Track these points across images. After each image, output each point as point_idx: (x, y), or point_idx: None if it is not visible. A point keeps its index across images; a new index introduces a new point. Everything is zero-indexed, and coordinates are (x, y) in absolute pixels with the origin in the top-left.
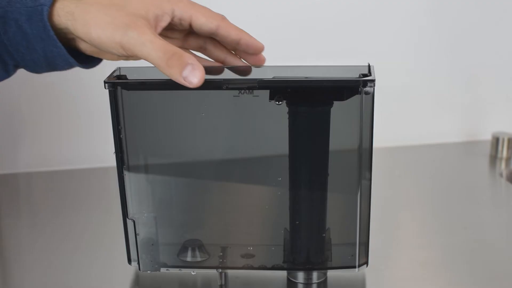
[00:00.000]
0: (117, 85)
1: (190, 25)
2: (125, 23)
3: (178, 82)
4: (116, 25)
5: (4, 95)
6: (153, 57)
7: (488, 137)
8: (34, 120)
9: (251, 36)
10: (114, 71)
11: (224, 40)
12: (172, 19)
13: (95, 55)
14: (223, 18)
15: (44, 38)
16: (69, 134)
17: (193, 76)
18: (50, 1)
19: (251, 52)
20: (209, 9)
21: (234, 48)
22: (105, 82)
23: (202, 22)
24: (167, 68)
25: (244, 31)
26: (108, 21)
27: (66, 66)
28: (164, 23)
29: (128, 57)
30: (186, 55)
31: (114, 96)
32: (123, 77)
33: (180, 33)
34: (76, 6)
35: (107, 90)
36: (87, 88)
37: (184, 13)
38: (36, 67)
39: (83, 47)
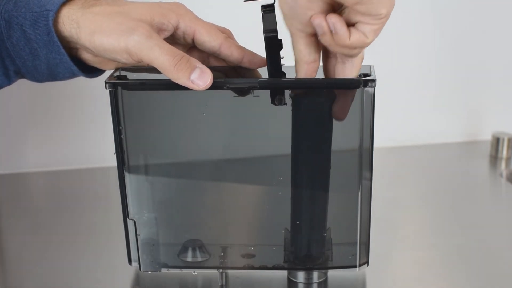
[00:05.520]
0: (117, 85)
1: (193, 40)
2: (130, 27)
3: (185, 85)
4: (121, 30)
5: (5, 96)
6: (161, 60)
7: (488, 137)
8: (35, 120)
9: (254, 54)
10: (114, 71)
11: (226, 59)
12: (175, 31)
13: (97, 66)
14: (226, 37)
15: (48, 44)
16: (70, 134)
17: (201, 79)
18: (56, 7)
19: (254, 68)
20: (215, 26)
21: (237, 65)
22: (105, 82)
23: (205, 40)
24: (175, 72)
25: (247, 50)
26: (113, 28)
27: (68, 74)
28: (167, 33)
29: (132, 63)
30: (193, 58)
31: (114, 96)
32: (124, 77)
33: (184, 47)
34: (82, 14)
35: (108, 90)
36: (88, 88)
37: (188, 28)
38: (38, 75)
39: (86, 57)
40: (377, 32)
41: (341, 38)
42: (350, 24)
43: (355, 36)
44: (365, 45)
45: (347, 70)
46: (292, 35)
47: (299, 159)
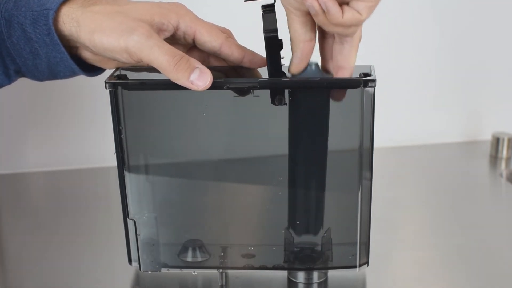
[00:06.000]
0: (117, 85)
1: (194, 41)
2: (130, 27)
3: (185, 85)
4: (121, 30)
5: (5, 96)
6: (161, 61)
7: (488, 137)
8: (35, 120)
9: (254, 53)
10: (114, 71)
11: (227, 58)
12: (176, 32)
13: (98, 64)
14: (227, 37)
15: (48, 43)
16: (69, 134)
17: (201, 79)
18: (56, 6)
19: (254, 67)
20: (215, 26)
21: (237, 65)
22: (105, 82)
23: (205, 40)
24: (174, 72)
25: (247, 49)
26: (113, 27)
27: (68, 73)
28: (168, 33)
29: (132, 63)
30: (192, 59)
31: (114, 96)
32: (124, 77)
33: (184, 47)
34: (82, 13)
35: (108, 90)
36: (88, 88)
37: (188, 28)
38: (38, 74)
39: (86, 55)
40: (371, 9)
41: (334, 16)
42: (345, 2)
43: (349, 14)
44: (360, 22)
45: (345, 51)
46: (287, 13)
47: (298, 160)
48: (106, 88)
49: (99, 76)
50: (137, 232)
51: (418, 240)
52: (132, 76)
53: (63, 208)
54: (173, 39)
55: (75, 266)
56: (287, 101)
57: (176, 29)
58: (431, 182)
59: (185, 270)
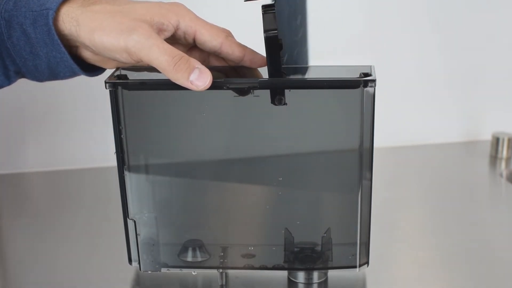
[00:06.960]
0: (117, 85)
1: (194, 40)
2: (130, 27)
3: (184, 86)
4: (121, 29)
5: (5, 95)
6: (160, 61)
7: (488, 137)
8: (35, 120)
9: (255, 52)
10: (114, 71)
11: (227, 57)
12: (176, 31)
13: (98, 64)
14: (227, 36)
15: (48, 43)
16: (70, 134)
17: (201, 80)
18: (56, 6)
19: (255, 67)
20: (215, 25)
21: (238, 64)
22: (105, 82)
23: (206, 39)
24: (174, 72)
25: (247, 48)
26: (113, 27)
27: (68, 73)
28: (168, 33)
29: (132, 63)
30: (192, 59)
31: (114, 96)
32: (124, 77)
33: (184, 47)
34: (82, 12)
35: (108, 90)
36: (88, 88)
37: (188, 28)
38: (38, 74)
39: (86, 55)
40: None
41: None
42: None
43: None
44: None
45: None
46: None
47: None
48: (106, 88)
49: (99, 76)
50: (137, 232)
51: (418, 240)
52: (132, 76)
53: (63, 208)
54: (174, 39)
55: (75, 266)
56: (287, 101)
57: (176, 29)
58: (431, 182)
59: (185, 270)
